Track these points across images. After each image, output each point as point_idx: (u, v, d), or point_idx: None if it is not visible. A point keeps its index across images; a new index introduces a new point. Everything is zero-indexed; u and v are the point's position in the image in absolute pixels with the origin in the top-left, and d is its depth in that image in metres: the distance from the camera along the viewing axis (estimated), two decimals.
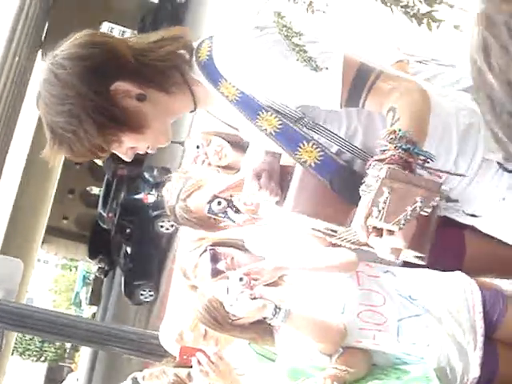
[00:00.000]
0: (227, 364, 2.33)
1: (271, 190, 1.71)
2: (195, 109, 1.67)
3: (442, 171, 1.49)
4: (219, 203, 2.29)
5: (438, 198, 1.32)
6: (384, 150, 1.39)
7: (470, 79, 1.82)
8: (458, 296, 2.17)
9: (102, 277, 19.44)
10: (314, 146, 1.58)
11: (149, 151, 1.66)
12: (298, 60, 1.48)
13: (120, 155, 1.63)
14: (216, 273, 2.35)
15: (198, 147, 2.85)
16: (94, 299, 22.31)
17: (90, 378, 18.46)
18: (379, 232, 1.34)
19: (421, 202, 1.31)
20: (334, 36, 1.61)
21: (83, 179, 20.82)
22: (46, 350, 32.33)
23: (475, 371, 2.11)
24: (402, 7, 1.10)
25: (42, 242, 22.81)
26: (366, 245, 1.41)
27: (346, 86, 1.51)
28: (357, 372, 2.11)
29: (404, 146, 1.37)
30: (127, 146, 1.62)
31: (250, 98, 1.57)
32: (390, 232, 1.33)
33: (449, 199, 1.69)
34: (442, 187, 1.41)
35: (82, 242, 21.29)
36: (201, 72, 1.60)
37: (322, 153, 1.58)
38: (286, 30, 1.38)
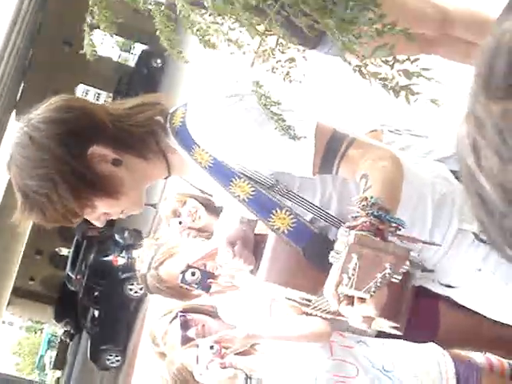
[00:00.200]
0: None
1: (245, 258, 1.69)
2: (169, 176, 1.66)
3: (416, 239, 1.48)
4: (193, 274, 2.23)
5: (407, 265, 1.31)
6: (356, 217, 1.38)
7: (443, 150, 1.84)
8: (432, 369, 2.14)
9: (68, 340, 19.07)
10: (288, 213, 1.57)
11: (121, 216, 1.64)
12: (276, 129, 1.48)
13: (92, 221, 1.61)
14: (186, 340, 2.30)
15: (180, 223, 2.84)
16: (59, 363, 21.84)
17: None
18: (350, 300, 1.32)
19: (390, 268, 1.29)
20: (309, 104, 1.62)
21: (52, 240, 20.60)
22: None
23: None
24: (380, 79, 1.11)
25: (8, 304, 22.37)
26: (339, 313, 1.39)
27: (318, 153, 1.52)
28: None
29: (375, 213, 1.36)
30: (100, 212, 1.60)
31: (223, 165, 1.56)
32: (362, 300, 1.31)
33: (424, 269, 1.68)
34: (413, 255, 1.39)
35: (48, 304, 20.92)
36: (174, 138, 1.60)
37: (295, 219, 1.57)
38: (265, 99, 1.39)
